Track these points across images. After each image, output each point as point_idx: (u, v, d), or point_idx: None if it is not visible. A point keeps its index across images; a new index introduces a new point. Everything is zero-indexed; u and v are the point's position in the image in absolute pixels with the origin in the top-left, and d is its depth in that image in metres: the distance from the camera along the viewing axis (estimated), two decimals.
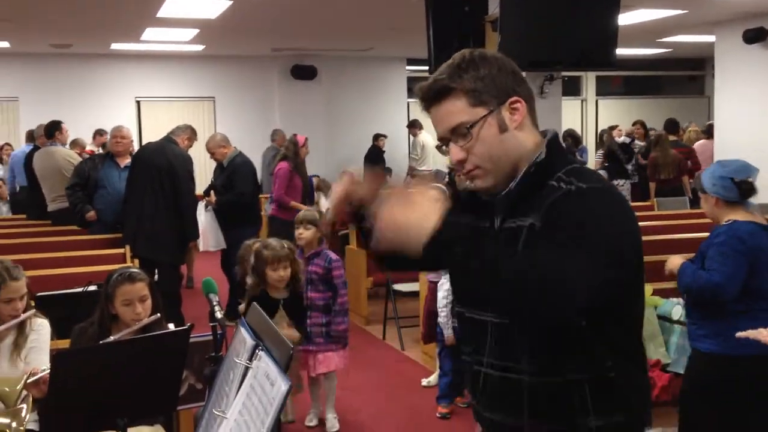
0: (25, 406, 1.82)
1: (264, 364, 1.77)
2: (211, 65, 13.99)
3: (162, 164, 6.58)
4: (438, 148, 1.87)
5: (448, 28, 7.06)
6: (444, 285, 4.92)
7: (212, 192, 7.36)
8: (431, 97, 1.80)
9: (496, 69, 1.77)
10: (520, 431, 1.80)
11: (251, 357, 1.85)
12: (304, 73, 14.03)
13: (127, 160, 7.05)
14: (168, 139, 6.93)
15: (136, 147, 8.70)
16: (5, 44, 11.89)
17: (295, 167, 7.75)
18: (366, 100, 14.66)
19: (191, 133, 7.11)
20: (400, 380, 5.92)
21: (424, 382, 5.75)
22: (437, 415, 5.10)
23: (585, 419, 1.73)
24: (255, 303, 2.09)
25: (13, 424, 1.76)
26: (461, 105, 1.76)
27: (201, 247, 7.33)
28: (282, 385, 1.64)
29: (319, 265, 4.84)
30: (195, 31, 10.90)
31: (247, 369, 1.83)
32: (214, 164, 7.79)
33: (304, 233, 4.89)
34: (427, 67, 6.24)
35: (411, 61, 14.99)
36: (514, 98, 1.78)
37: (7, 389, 2.10)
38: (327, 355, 4.83)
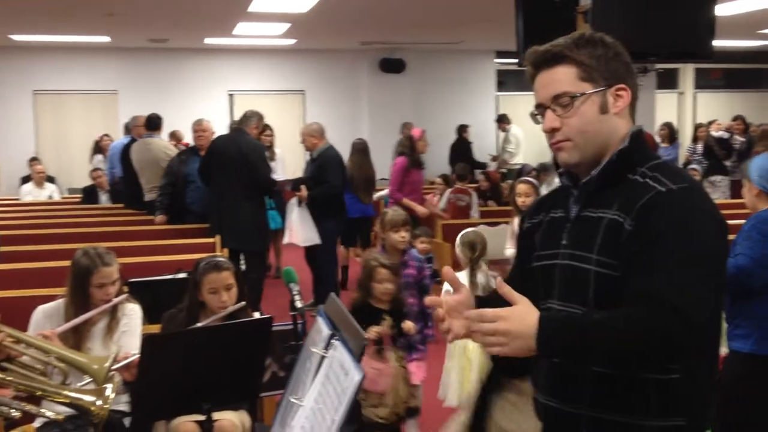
0: (110, 385, 1.89)
1: (339, 353, 1.79)
2: (301, 59, 14.19)
3: (235, 155, 6.70)
4: (532, 115, 1.86)
5: (538, 20, 6.94)
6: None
7: (302, 187, 7.32)
8: (543, 60, 1.82)
9: (612, 53, 1.80)
10: (575, 419, 1.77)
11: (327, 346, 1.87)
12: (392, 66, 14.07)
13: None
14: (238, 130, 7.05)
15: None
16: (106, 39, 12.37)
17: (412, 162, 7.76)
18: (454, 93, 14.58)
19: (259, 120, 7.17)
20: None
21: None
22: None
23: (644, 418, 1.70)
24: (333, 294, 2.11)
25: (98, 402, 1.82)
26: (570, 75, 1.78)
27: (287, 239, 7.41)
28: (355, 375, 1.66)
29: (413, 266, 4.55)
30: (286, 26, 11.07)
31: (323, 358, 1.85)
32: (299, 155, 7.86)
33: (406, 236, 4.63)
34: (516, 60, 6.14)
35: (500, 54, 14.82)
36: (622, 85, 1.80)
37: (95, 367, 2.18)
38: (420, 364, 4.30)
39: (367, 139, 13.94)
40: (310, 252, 7.54)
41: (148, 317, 3.74)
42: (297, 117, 14.02)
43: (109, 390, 1.85)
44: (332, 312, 2.01)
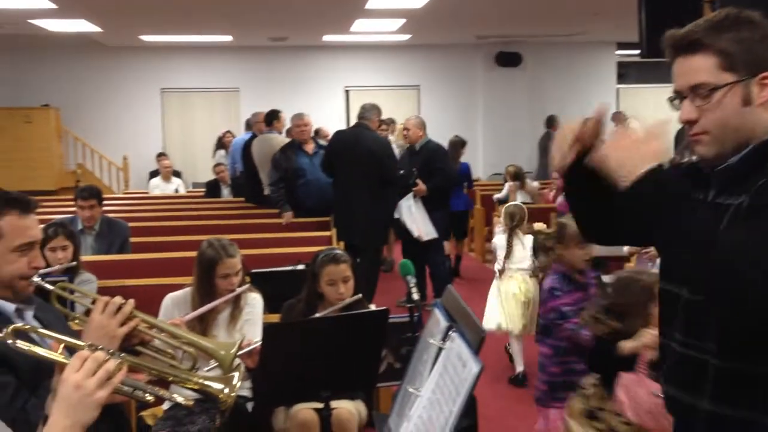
0: (237, 374, 1.96)
1: (456, 345, 1.79)
2: (416, 54, 14.25)
3: (360, 150, 6.76)
4: (670, 100, 1.78)
5: (662, 9, 6.71)
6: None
7: (419, 181, 7.26)
8: (681, 47, 1.71)
9: (759, 35, 1.66)
10: (692, 410, 1.72)
11: (444, 338, 1.88)
12: (508, 60, 13.91)
13: (312, 146, 7.33)
14: (361, 125, 7.07)
15: None
16: (228, 38, 12.80)
17: None
18: (572, 86, 14.27)
19: (378, 114, 7.19)
20: None
21: None
22: None
23: (765, 416, 1.62)
24: (450, 287, 2.12)
25: (226, 390, 1.89)
26: (709, 65, 1.66)
27: (415, 234, 7.38)
28: (473, 367, 1.66)
29: (593, 284, 4.02)
30: (402, 21, 11.14)
31: (440, 349, 1.86)
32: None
33: (589, 252, 4.11)
34: (638, 51, 5.95)
35: (621, 45, 14.39)
36: None
37: (223, 353, 2.27)
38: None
39: (481, 133, 13.97)
40: (409, 245, 7.47)
41: (268, 307, 3.84)
42: (411, 112, 14.09)
43: (236, 378, 1.92)
44: (449, 304, 2.02)
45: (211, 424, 3.27)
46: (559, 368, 3.79)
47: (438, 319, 1.98)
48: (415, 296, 2.50)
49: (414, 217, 7.24)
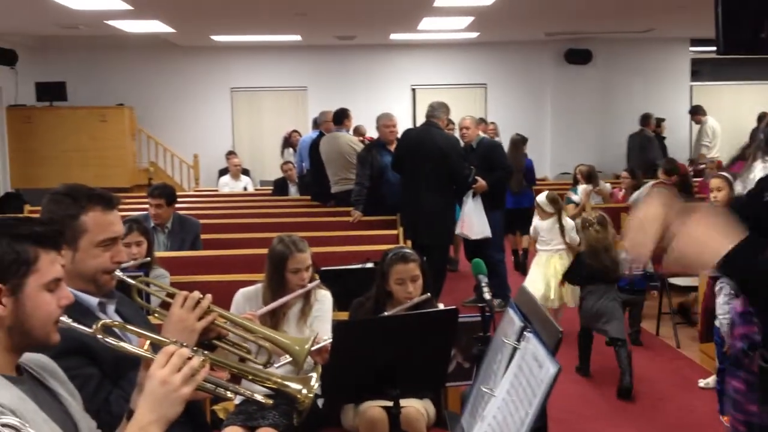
0: (315, 374, 1.97)
1: (532, 345, 1.78)
2: (483, 52, 14.16)
3: (430, 148, 6.75)
4: None
5: (739, 5, 6.52)
6: (724, 289, 4.54)
7: (478, 178, 7.22)
8: None
9: None
10: None
11: (519, 338, 1.86)
12: (578, 57, 13.71)
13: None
14: (430, 123, 7.05)
15: None
16: (297, 37, 12.94)
17: None
18: (644, 84, 13.95)
19: (447, 112, 7.18)
20: (675, 378, 5.62)
21: (702, 383, 5.42)
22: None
23: None
24: (524, 286, 2.10)
25: (304, 391, 1.91)
26: None
27: (461, 230, 7.40)
28: (550, 368, 1.64)
29: None
30: (470, 19, 11.08)
31: (515, 350, 1.85)
32: None
33: None
34: (714, 48, 5.79)
35: (695, 42, 14.02)
36: None
37: (297, 348, 2.29)
38: None
39: (550, 132, 13.82)
40: (469, 244, 7.48)
41: (337, 304, 3.86)
42: (478, 111, 14.01)
43: (314, 379, 1.93)
44: (523, 304, 2.00)
45: (282, 419, 3.31)
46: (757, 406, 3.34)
47: (512, 319, 1.97)
48: (487, 296, 2.48)
49: (468, 214, 7.22)
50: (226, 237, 6.74)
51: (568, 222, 6.64)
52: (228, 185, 11.71)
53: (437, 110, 7.08)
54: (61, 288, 1.79)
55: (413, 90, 14.46)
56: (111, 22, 10.89)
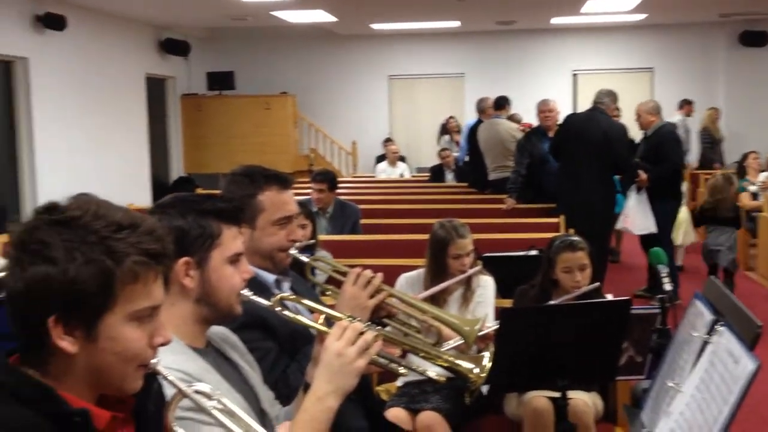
0: (487, 354, 1.93)
1: (725, 340, 1.65)
2: (650, 35, 13.54)
3: (595, 135, 6.52)
4: None
5: None
6: None
7: (640, 172, 6.90)
8: None
9: None
10: None
11: (710, 331, 1.74)
12: (754, 39, 12.85)
13: None
14: (596, 109, 6.80)
15: None
16: (456, 23, 12.88)
17: None
18: None
19: (615, 99, 6.91)
20: None
21: None
22: None
23: None
24: (713, 278, 1.96)
25: (476, 370, 1.88)
26: None
27: (620, 224, 7.11)
28: (749, 364, 1.52)
29: None
30: (637, 0, 10.62)
31: (705, 344, 1.73)
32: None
33: None
34: None
35: None
36: None
37: (467, 329, 2.26)
38: None
39: (724, 118, 13.02)
40: (645, 237, 7.16)
41: (499, 291, 3.81)
42: (644, 96, 13.39)
43: (486, 359, 1.90)
44: (713, 296, 1.87)
45: (444, 404, 3.30)
46: None
47: (701, 312, 1.84)
48: (668, 286, 2.35)
49: (632, 208, 6.91)
50: (384, 222, 6.82)
51: None
52: (385, 172, 11.86)
53: (605, 96, 6.85)
54: (242, 262, 1.84)
55: (574, 75, 14.04)
56: (276, 13, 11.26)
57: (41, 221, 1.26)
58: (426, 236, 3.78)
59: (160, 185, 12.61)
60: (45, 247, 1.23)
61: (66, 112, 10.10)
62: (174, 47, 12.99)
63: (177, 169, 13.80)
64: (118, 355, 1.28)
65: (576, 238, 3.57)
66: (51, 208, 1.28)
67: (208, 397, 1.38)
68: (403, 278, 3.74)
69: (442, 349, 2.03)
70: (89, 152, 10.46)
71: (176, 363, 1.61)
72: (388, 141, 12.97)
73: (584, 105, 12.84)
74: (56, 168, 9.74)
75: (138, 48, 12.18)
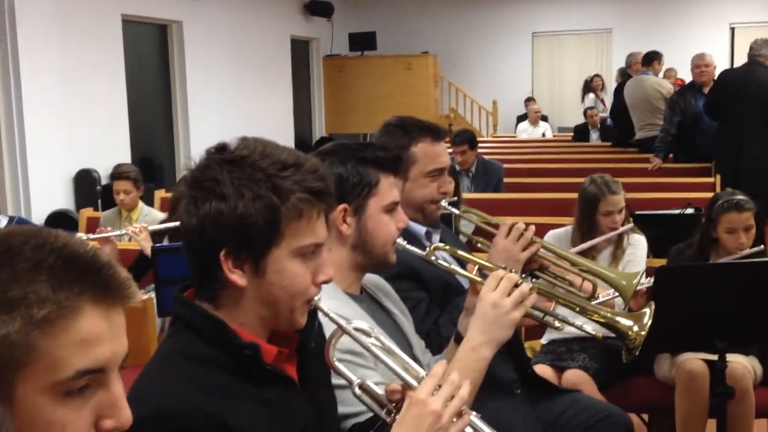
0: (648, 311, 1.87)
1: None
2: None
3: (757, 92, 6.08)
4: None
5: None
6: None
7: None
8: None
9: None
10: None
11: None
12: None
13: None
14: (754, 62, 6.33)
15: None
16: None
17: None
18: None
19: None
20: None
21: None
22: None
23: None
24: None
25: (635, 327, 1.82)
26: None
27: None
28: None
29: None
30: None
31: None
32: None
33: None
34: None
35: None
36: None
37: (624, 283, 2.20)
38: None
39: None
40: None
41: (651, 251, 3.68)
42: None
43: (647, 317, 1.84)
44: None
45: (592, 363, 3.23)
46: None
47: None
48: None
49: None
50: (527, 181, 6.72)
51: None
52: (526, 131, 11.65)
53: (763, 47, 6.36)
54: (398, 211, 1.86)
55: (732, 29, 13.20)
56: None
57: (212, 160, 1.32)
58: (571, 195, 3.70)
59: (303, 145, 12.94)
60: (216, 184, 1.29)
61: (216, 74, 10.52)
62: (318, 9, 13.21)
63: (319, 130, 14.11)
64: (285, 289, 1.33)
65: (743, 197, 3.38)
66: (221, 148, 1.34)
67: (367, 334, 1.41)
68: (551, 235, 3.67)
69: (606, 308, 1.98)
70: (238, 113, 10.86)
71: (333, 307, 1.65)
72: (529, 100, 12.70)
73: (742, 61, 12.15)
74: (207, 128, 10.17)
75: (284, 10, 12.48)
